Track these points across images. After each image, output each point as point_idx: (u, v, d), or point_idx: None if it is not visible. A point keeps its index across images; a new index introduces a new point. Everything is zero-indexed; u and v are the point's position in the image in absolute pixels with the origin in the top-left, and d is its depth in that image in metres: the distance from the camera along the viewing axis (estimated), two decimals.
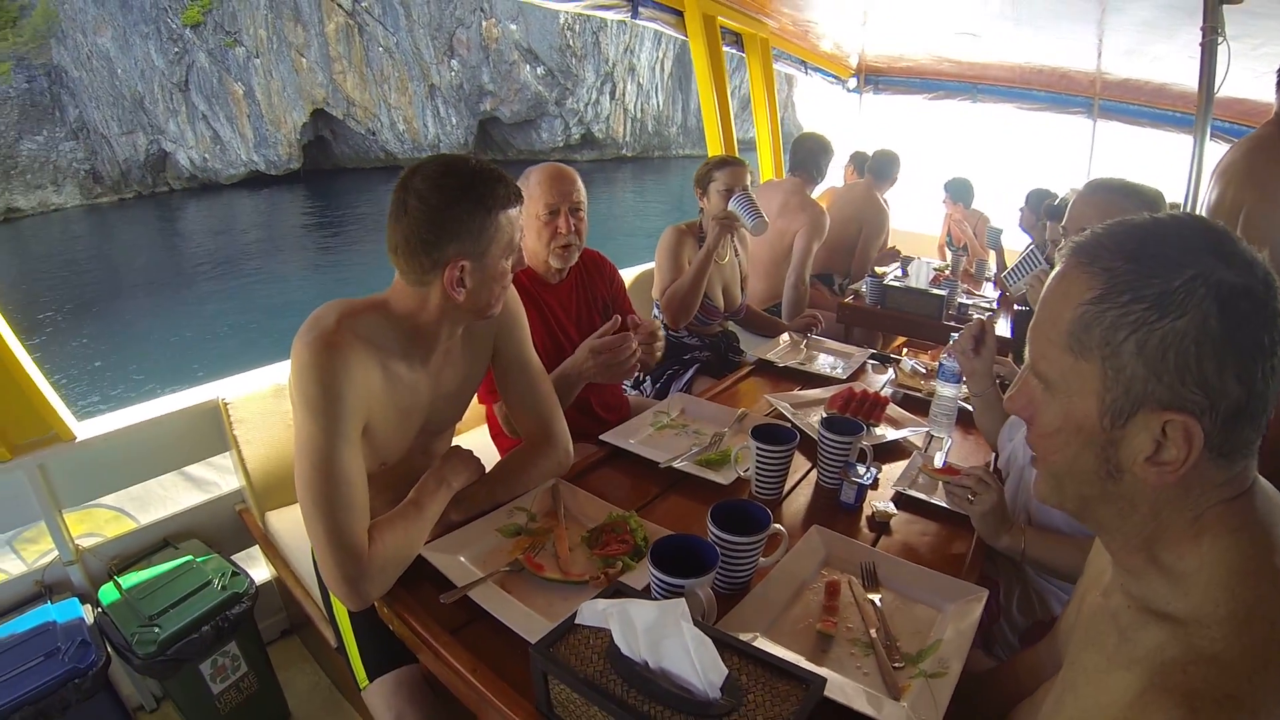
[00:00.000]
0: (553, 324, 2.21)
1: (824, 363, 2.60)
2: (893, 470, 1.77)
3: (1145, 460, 0.68)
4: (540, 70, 29.39)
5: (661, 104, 35.40)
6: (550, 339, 2.19)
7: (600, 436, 1.87)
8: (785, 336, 2.81)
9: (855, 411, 2.00)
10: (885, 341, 4.01)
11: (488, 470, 1.56)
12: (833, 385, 2.26)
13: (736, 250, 3.09)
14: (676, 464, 1.72)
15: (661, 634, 0.90)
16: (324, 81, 29.48)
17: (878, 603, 1.27)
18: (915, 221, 6.10)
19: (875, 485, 1.68)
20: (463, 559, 1.34)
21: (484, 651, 1.14)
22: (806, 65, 5.42)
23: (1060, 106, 5.58)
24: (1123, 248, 0.68)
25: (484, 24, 29.12)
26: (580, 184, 2.16)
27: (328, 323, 1.27)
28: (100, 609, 1.93)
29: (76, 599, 1.95)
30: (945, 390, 1.95)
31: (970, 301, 3.70)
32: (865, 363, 2.59)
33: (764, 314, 3.36)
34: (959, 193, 5.37)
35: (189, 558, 2.09)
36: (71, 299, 18.13)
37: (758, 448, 1.56)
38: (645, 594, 1.13)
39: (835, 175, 5.31)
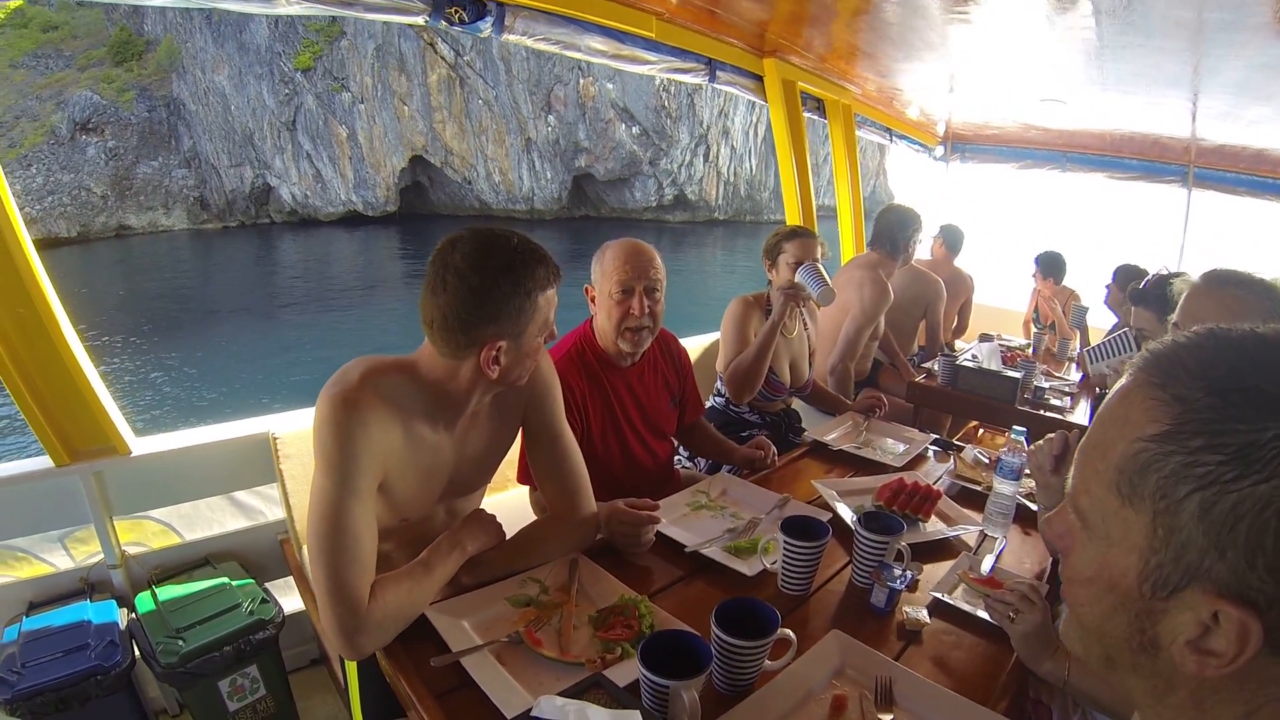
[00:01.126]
0: (615, 407, 2.15)
1: (882, 447, 2.50)
2: (935, 571, 1.67)
3: (1186, 643, 0.54)
4: (635, 129, 30.25)
5: (754, 168, 35.85)
6: (611, 423, 2.15)
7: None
8: (849, 417, 2.73)
9: (904, 504, 1.90)
10: (957, 425, 3.85)
11: (509, 535, 1.57)
12: (887, 474, 2.17)
13: (805, 324, 3.04)
14: (703, 550, 1.67)
15: None
16: (424, 129, 31.15)
17: None
18: (1002, 296, 5.95)
19: (913, 588, 1.58)
20: (465, 624, 1.36)
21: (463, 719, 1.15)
22: (892, 133, 5.39)
23: (1153, 175, 5.33)
24: (1208, 373, 0.53)
25: (581, 82, 30.32)
26: (659, 263, 2.09)
27: (351, 379, 1.33)
28: (134, 614, 2.06)
29: (114, 601, 2.09)
30: (1003, 488, 1.85)
31: (1049, 385, 3.54)
32: (926, 449, 2.48)
33: (830, 392, 3.25)
34: (1050, 267, 5.22)
35: (224, 580, 2.21)
36: (167, 316, 19.38)
37: (785, 541, 1.51)
38: (634, 688, 1.12)
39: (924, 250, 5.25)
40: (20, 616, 2.02)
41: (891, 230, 3.63)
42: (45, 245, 26.78)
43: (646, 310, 2.03)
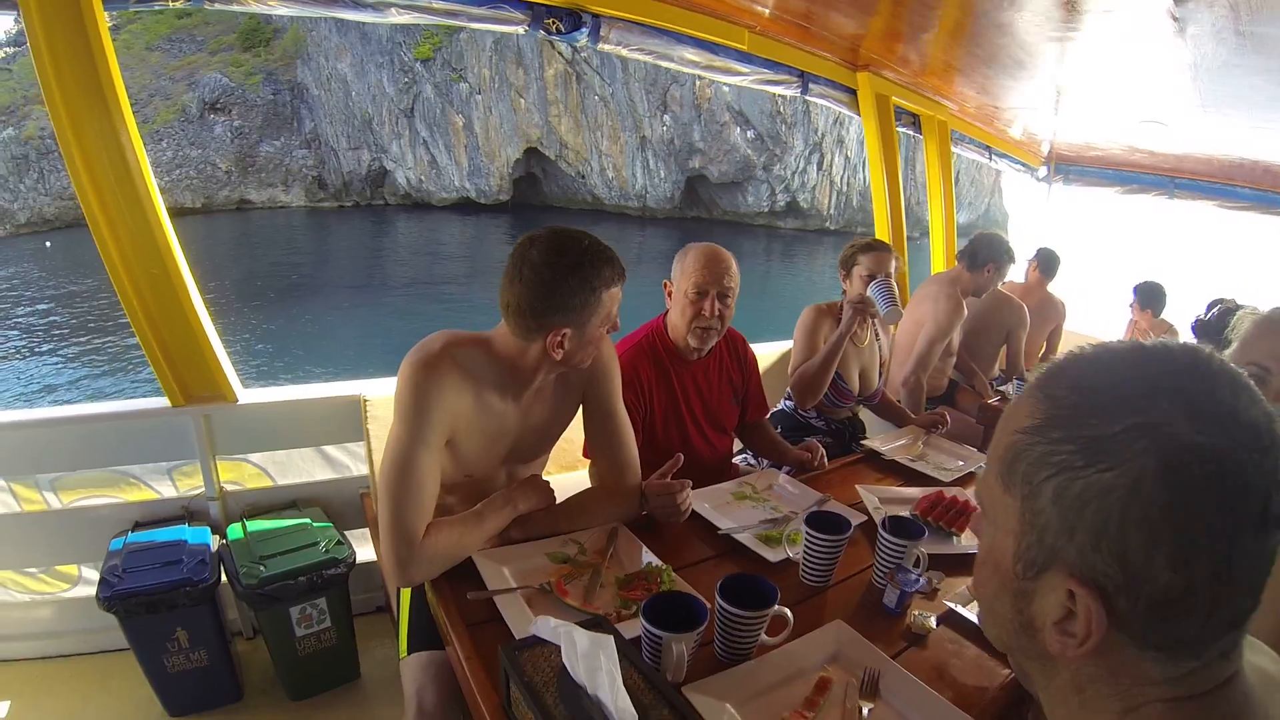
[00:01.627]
0: (679, 397, 2.30)
1: (936, 462, 2.52)
2: (958, 584, 1.70)
3: (1053, 624, 0.60)
4: (750, 134, 30.15)
5: (867, 179, 35.17)
6: (674, 412, 2.29)
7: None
8: (910, 430, 2.78)
9: (939, 516, 1.93)
10: None
11: (559, 501, 1.75)
12: (934, 487, 2.20)
13: (878, 334, 3.09)
14: (735, 534, 1.78)
15: (593, 664, 1.02)
16: (539, 122, 31.97)
17: (865, 712, 1.22)
18: (1099, 326, 5.76)
19: (932, 596, 1.63)
20: (506, 570, 1.53)
21: (485, 649, 1.29)
22: (992, 151, 5.29)
23: (1266, 205, 4.99)
24: (1075, 376, 0.59)
25: (697, 83, 30.45)
26: (735, 270, 2.24)
27: (433, 348, 1.55)
28: (224, 541, 2.36)
29: (208, 529, 2.40)
30: None
31: None
32: (979, 468, 2.44)
33: (897, 404, 3.25)
34: (1149, 298, 5.02)
35: (307, 520, 2.48)
36: (281, 285, 20.64)
37: (807, 533, 1.59)
38: (637, 643, 1.25)
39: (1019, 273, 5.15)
40: (126, 532, 2.35)
41: (975, 248, 3.63)
42: (171, 214, 29.17)
43: (717, 312, 2.19)
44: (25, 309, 18.17)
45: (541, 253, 1.51)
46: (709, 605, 1.28)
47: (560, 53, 31.10)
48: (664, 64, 3.15)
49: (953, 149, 4.88)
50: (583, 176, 33.09)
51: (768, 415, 2.65)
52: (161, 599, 2.06)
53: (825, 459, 2.47)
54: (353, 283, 22.38)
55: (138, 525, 2.40)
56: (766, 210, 31.05)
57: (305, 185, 33.08)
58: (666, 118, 30.82)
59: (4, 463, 2.38)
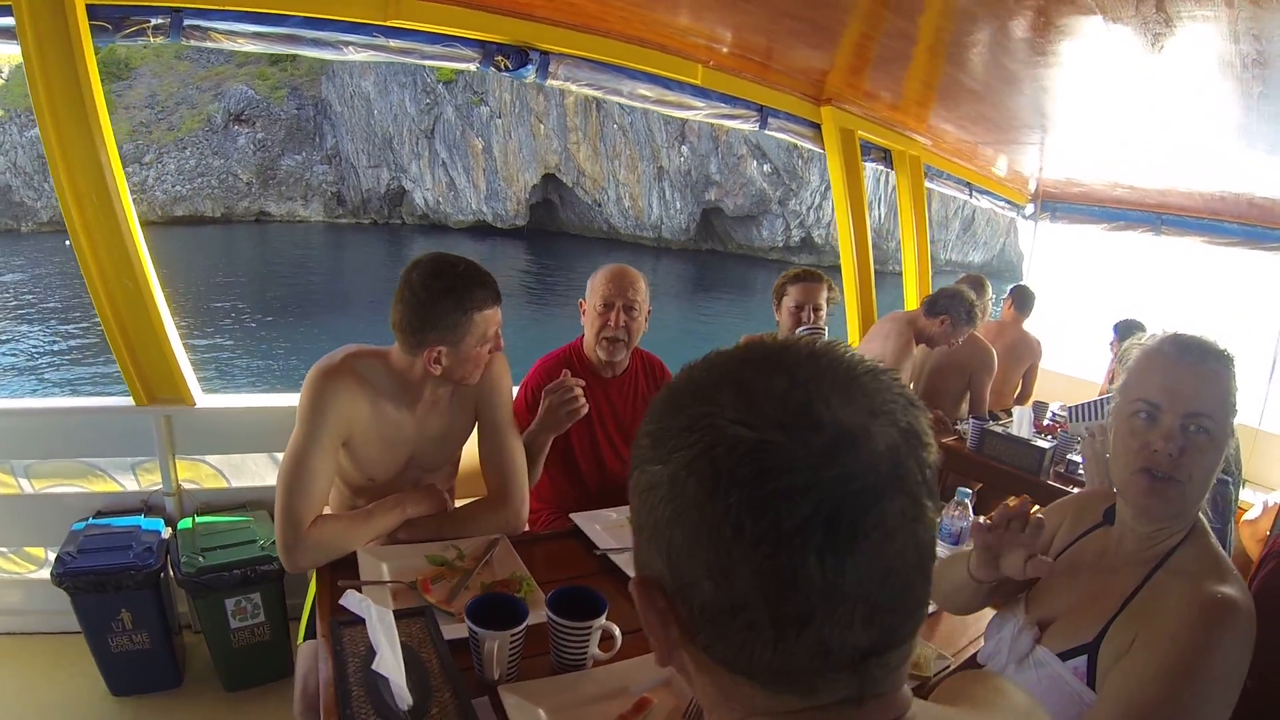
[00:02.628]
0: (593, 414, 2.35)
1: None
2: None
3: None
4: (767, 168, 30.43)
5: (883, 215, 35.27)
6: (587, 428, 2.39)
7: (571, 514, 2.06)
8: None
9: None
10: (990, 497, 3.59)
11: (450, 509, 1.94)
12: None
13: None
14: (610, 554, 1.85)
15: (377, 636, 1.17)
16: (558, 149, 32.55)
17: None
18: (1082, 365, 5.84)
19: None
20: (384, 566, 1.71)
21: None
22: (973, 188, 5.40)
23: (1254, 241, 4.97)
24: (682, 371, 0.56)
25: (761, 133, 30.73)
26: (643, 288, 2.40)
27: (335, 359, 1.78)
28: (174, 533, 2.61)
29: (162, 520, 2.66)
30: (940, 550, 1.84)
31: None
32: None
33: None
34: (1128, 335, 5.14)
35: (251, 520, 2.71)
36: (293, 298, 21.12)
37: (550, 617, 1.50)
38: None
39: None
40: (87, 518, 2.60)
41: (935, 297, 3.65)
42: (191, 222, 30.64)
43: (622, 324, 2.34)
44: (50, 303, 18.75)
45: (420, 275, 1.72)
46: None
47: None
48: (615, 99, 3.37)
49: (930, 185, 5.01)
50: (599, 205, 33.53)
51: None
52: (109, 579, 2.31)
53: None
54: (369, 298, 22.86)
55: (99, 514, 2.65)
56: (781, 245, 31.22)
57: (324, 200, 34.06)
58: (684, 149, 31.18)
59: None
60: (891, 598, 0.47)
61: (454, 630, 1.43)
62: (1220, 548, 1.24)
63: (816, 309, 2.94)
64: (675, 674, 1.27)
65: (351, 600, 1.25)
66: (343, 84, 33.88)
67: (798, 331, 2.80)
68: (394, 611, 1.34)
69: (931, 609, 1.82)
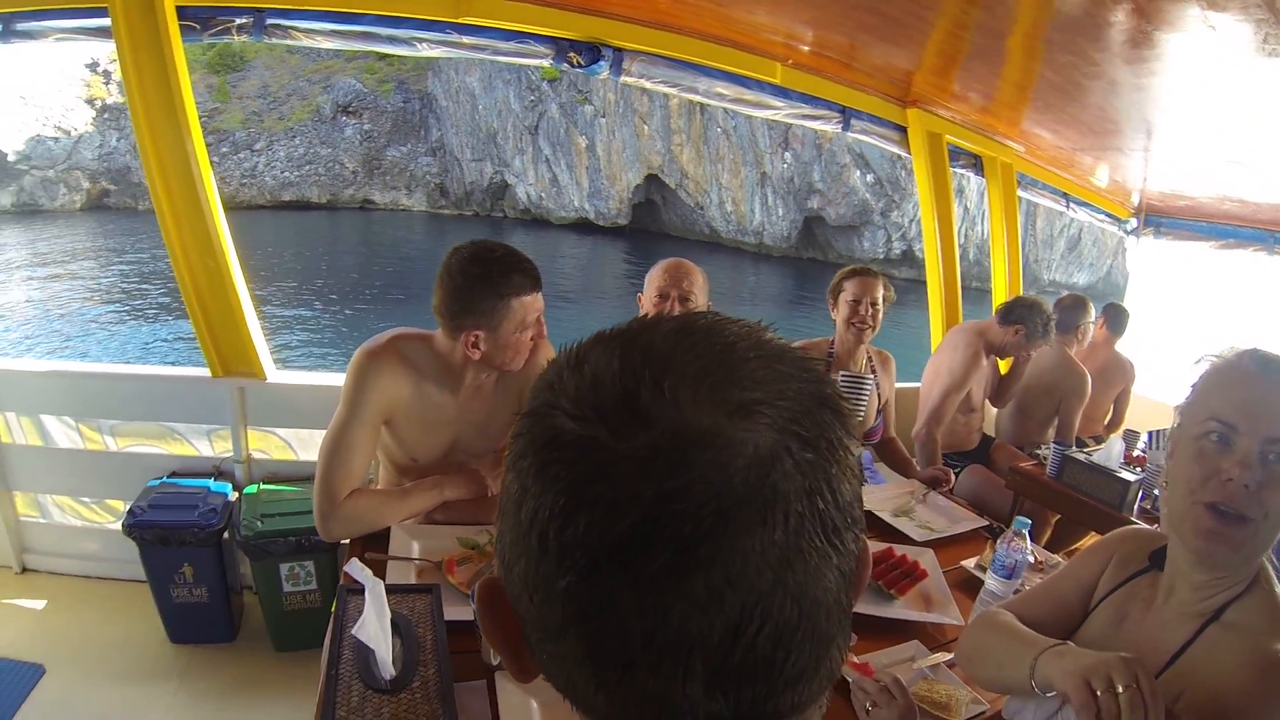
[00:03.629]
0: None
1: (923, 520, 2.45)
2: (880, 651, 1.66)
3: None
4: (870, 178, 29.75)
5: (986, 232, 34.04)
6: None
7: None
8: (909, 484, 2.75)
9: (881, 574, 1.91)
10: (1067, 531, 3.53)
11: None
12: (903, 545, 2.17)
13: (874, 369, 3.12)
14: None
15: (370, 610, 1.25)
16: (661, 150, 32.73)
17: None
18: (1178, 391, 5.47)
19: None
20: (416, 544, 1.81)
21: None
22: (1070, 199, 5.12)
23: None
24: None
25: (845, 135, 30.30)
26: (699, 280, 2.41)
27: (380, 340, 1.88)
28: (240, 497, 2.81)
29: (230, 485, 2.87)
30: (991, 583, 1.79)
31: None
32: (975, 531, 2.41)
33: (901, 451, 3.20)
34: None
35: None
36: (392, 283, 22.05)
37: None
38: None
39: None
40: (162, 477, 2.85)
41: (1011, 305, 3.51)
42: (297, 207, 32.43)
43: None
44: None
45: (459, 261, 1.78)
46: None
47: None
48: (691, 97, 3.38)
49: (1024, 194, 4.79)
50: (701, 208, 33.51)
51: None
52: (173, 534, 2.53)
53: (953, 481, 2.74)
54: None
55: (174, 474, 2.90)
56: (882, 257, 30.34)
57: (428, 191, 35.43)
58: (788, 155, 30.79)
59: (75, 405, 2.99)
60: (751, 663, 0.37)
61: (465, 613, 1.47)
62: None
63: (874, 303, 2.90)
64: None
65: (354, 568, 1.33)
66: (448, 79, 35.08)
67: None
68: (404, 585, 1.44)
69: None
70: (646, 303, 2.48)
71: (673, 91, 3.35)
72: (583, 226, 34.39)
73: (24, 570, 3.05)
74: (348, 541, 1.85)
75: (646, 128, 32.57)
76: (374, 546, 1.79)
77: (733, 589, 0.35)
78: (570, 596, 0.37)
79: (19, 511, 3.06)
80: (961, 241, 31.64)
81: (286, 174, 32.70)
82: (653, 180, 33.80)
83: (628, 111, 32.45)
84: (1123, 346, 4.63)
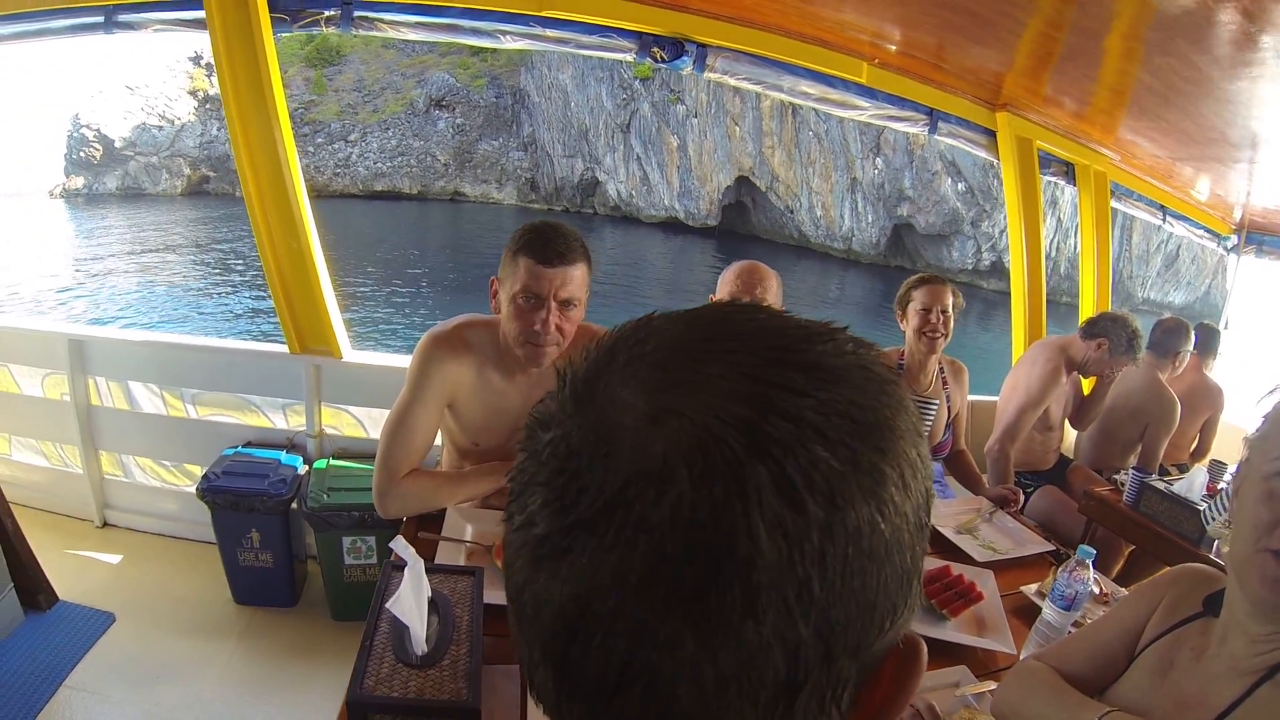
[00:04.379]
0: None
1: (987, 539, 2.37)
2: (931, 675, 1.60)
3: None
4: (961, 186, 28.93)
5: (1078, 246, 32.51)
6: None
7: None
8: (977, 501, 2.66)
9: (935, 593, 1.86)
10: (1144, 564, 3.38)
11: None
12: (962, 564, 2.11)
13: (945, 381, 3.05)
14: None
15: (407, 587, 1.27)
16: (753, 152, 32.60)
17: None
18: None
19: None
20: (470, 526, 1.85)
21: None
22: (1167, 212, 4.87)
23: None
24: None
25: (932, 138, 29.68)
26: (773, 285, 2.37)
27: (447, 326, 1.92)
28: (310, 470, 2.93)
29: (301, 458, 3.00)
30: (1049, 613, 1.71)
31: None
32: (1040, 555, 2.32)
33: (972, 466, 3.12)
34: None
35: None
36: (483, 273, 22.72)
37: None
38: None
39: None
40: (238, 446, 3.00)
41: (1096, 319, 3.40)
42: (389, 197, 33.69)
43: None
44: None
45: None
46: None
47: None
48: (774, 94, 3.35)
49: (1118, 205, 4.63)
50: (791, 211, 33.21)
51: None
52: (242, 501, 2.66)
53: (1021, 501, 2.65)
54: None
55: (249, 444, 3.05)
56: (971, 268, 29.48)
57: (518, 185, 36.25)
58: (879, 161, 30.19)
59: (161, 374, 3.18)
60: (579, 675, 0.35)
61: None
62: None
63: (944, 311, 2.82)
64: None
65: (399, 545, 1.36)
66: (541, 76, 35.77)
67: None
68: (448, 566, 1.47)
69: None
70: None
71: (757, 89, 3.32)
72: (672, 226, 34.56)
73: (105, 525, 3.28)
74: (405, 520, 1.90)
75: (738, 129, 32.47)
76: (429, 526, 1.84)
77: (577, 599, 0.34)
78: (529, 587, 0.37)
79: (104, 470, 3.29)
80: (1052, 254, 30.82)
81: (379, 165, 33.94)
82: (743, 182, 33.69)
83: (720, 112, 32.42)
84: (1215, 371, 4.41)
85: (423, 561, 1.33)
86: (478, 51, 36.82)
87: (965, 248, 30.13)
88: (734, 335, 0.37)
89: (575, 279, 1.79)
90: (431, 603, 1.34)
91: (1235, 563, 1.00)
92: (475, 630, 1.35)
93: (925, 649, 0.41)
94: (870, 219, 31.60)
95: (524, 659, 0.39)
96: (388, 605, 1.27)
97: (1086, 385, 3.79)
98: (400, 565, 1.40)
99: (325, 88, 34.78)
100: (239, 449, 2.97)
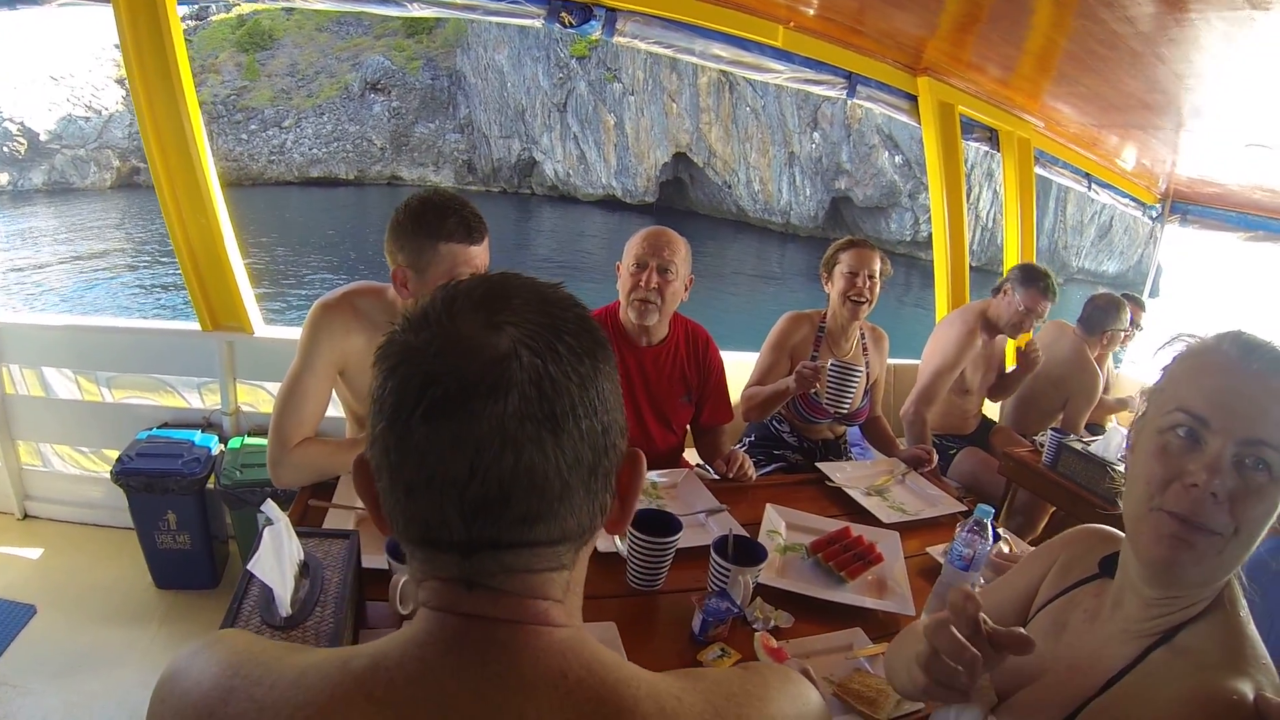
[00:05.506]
0: (622, 386, 2.42)
1: (897, 501, 2.35)
2: (818, 636, 1.59)
3: None
4: (899, 159, 29.37)
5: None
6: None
7: None
8: (890, 463, 2.64)
9: (832, 555, 1.82)
10: (1069, 521, 3.22)
11: None
12: (870, 525, 2.08)
13: (865, 348, 2.98)
14: None
15: (267, 547, 1.26)
16: (690, 128, 32.67)
17: None
18: None
19: (775, 635, 1.54)
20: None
21: None
22: (1092, 179, 4.92)
23: None
24: None
25: (849, 102, 30.04)
26: (682, 250, 2.31)
27: (336, 293, 1.90)
28: (224, 449, 2.87)
29: (216, 437, 2.93)
30: (948, 574, 1.70)
31: None
32: (954, 516, 2.28)
33: (886, 430, 3.07)
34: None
35: None
36: None
37: (631, 532, 1.60)
38: None
39: None
40: (153, 427, 2.91)
41: (1013, 269, 3.37)
42: (325, 183, 32.95)
43: (654, 285, 2.25)
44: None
45: (406, 204, 1.78)
46: None
47: None
48: (686, 58, 3.32)
49: (1043, 172, 4.65)
50: (729, 186, 33.42)
51: (729, 421, 2.65)
52: (156, 482, 2.59)
53: (935, 462, 2.59)
54: (495, 262, 23.76)
55: (165, 425, 2.97)
56: (909, 239, 30.02)
57: (455, 168, 35.76)
58: (816, 135, 30.50)
59: (74, 358, 3.08)
60: (483, 497, 0.54)
61: (383, 561, 1.47)
62: (1253, 631, 0.92)
63: (871, 276, 2.74)
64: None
65: (267, 507, 1.34)
66: (477, 56, 35.25)
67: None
68: (323, 530, 1.46)
69: None
70: (623, 270, 2.34)
71: (668, 53, 3.28)
72: (610, 203, 34.54)
73: (25, 516, 3.16)
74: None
75: (675, 105, 32.49)
76: (322, 494, 1.81)
77: (470, 440, 0.53)
78: (382, 440, 0.56)
79: (22, 460, 3.16)
80: (989, 225, 31.33)
81: (315, 150, 33.15)
82: (680, 158, 33.81)
83: (657, 89, 32.38)
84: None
85: (285, 520, 1.31)
86: (413, 33, 36.09)
87: (903, 220, 30.64)
88: (519, 285, 0.61)
89: (486, 247, 1.86)
90: (304, 565, 1.32)
91: (1129, 522, 0.96)
92: (342, 593, 1.33)
93: (644, 456, 0.68)
94: (808, 193, 31.96)
95: (417, 520, 0.57)
96: (248, 566, 1.25)
97: (1011, 359, 3.83)
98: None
99: (258, 73, 33.74)
100: (154, 431, 2.89)
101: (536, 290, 0.61)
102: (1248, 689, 0.83)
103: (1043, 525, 3.42)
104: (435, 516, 0.55)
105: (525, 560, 0.58)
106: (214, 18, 35.36)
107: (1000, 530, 2.16)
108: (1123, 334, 3.92)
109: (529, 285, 0.61)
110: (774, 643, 1.46)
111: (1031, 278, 3.24)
